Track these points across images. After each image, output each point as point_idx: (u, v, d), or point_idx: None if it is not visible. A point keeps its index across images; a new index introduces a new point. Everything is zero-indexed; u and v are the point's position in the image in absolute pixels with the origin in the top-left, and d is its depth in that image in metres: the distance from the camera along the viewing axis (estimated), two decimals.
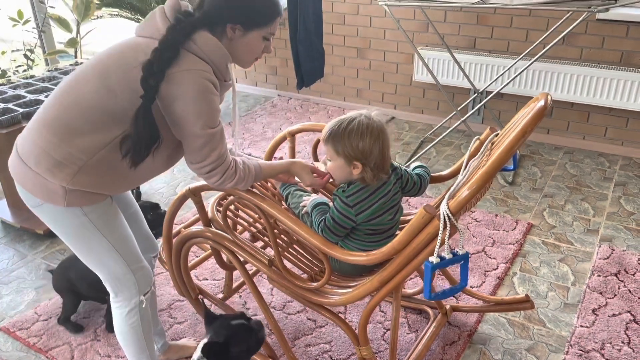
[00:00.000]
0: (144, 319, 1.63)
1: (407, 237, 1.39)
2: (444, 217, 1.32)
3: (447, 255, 1.34)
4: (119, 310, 1.61)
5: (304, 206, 1.66)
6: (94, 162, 1.37)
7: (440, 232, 1.32)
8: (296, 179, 1.76)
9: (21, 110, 2.46)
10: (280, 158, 1.97)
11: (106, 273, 1.55)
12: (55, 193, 1.39)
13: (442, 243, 1.33)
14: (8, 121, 2.39)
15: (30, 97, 2.64)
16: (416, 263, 1.41)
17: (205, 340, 1.52)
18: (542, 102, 1.38)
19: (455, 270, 2.18)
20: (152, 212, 2.11)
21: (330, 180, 1.71)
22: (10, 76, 3.13)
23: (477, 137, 1.69)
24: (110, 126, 1.36)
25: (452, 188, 1.40)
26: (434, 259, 1.33)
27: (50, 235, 2.67)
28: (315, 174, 1.70)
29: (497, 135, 1.65)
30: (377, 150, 1.50)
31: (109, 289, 1.60)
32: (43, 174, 1.38)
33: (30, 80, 2.87)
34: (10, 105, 2.52)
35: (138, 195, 3.05)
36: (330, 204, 1.63)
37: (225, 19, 1.41)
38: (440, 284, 2.27)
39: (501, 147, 1.34)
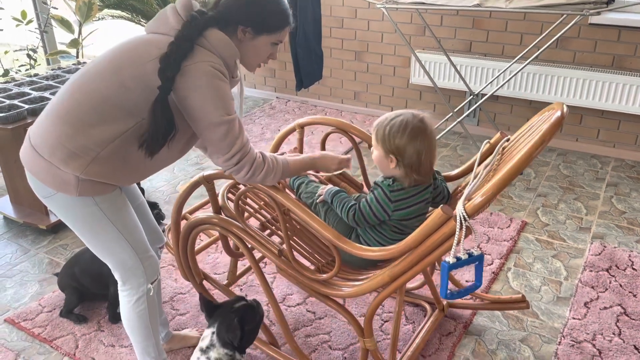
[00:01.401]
0: (151, 307, 1.67)
1: (422, 236, 1.40)
2: (460, 218, 1.35)
3: (463, 255, 1.37)
4: (127, 299, 1.66)
5: (320, 194, 1.70)
6: (107, 153, 1.42)
7: (457, 233, 1.33)
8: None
9: (26, 106, 2.51)
10: (282, 153, 2.02)
11: (115, 261, 1.60)
12: (68, 183, 1.44)
13: (458, 243, 1.35)
14: (14, 117, 2.43)
15: (35, 94, 2.68)
16: (428, 261, 1.42)
17: (212, 330, 1.56)
18: (559, 113, 1.40)
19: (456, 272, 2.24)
20: (151, 210, 2.13)
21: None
22: (13, 75, 3.18)
23: (487, 140, 1.72)
24: (122, 119, 1.42)
25: (467, 190, 1.40)
26: (450, 259, 1.35)
27: (52, 230, 2.72)
28: (341, 162, 1.74)
29: (507, 140, 1.68)
30: (412, 150, 1.53)
31: (117, 277, 1.64)
32: (57, 164, 1.42)
33: (34, 79, 2.92)
34: (15, 102, 2.56)
35: (141, 192, 3.09)
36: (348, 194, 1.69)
37: (238, 20, 1.48)
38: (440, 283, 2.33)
39: (520, 152, 1.33)
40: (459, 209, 1.32)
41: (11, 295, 2.30)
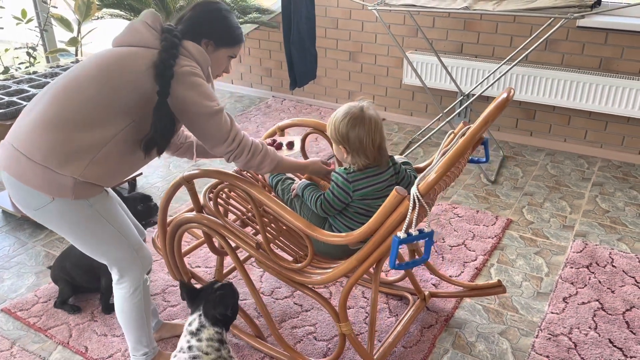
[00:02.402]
0: (146, 297, 1.76)
1: (382, 218, 1.52)
2: (414, 198, 1.45)
3: (413, 232, 1.47)
4: (123, 291, 1.72)
5: (294, 189, 1.81)
6: (103, 155, 1.51)
7: (410, 211, 1.45)
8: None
9: (24, 103, 2.58)
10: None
11: (113, 258, 1.68)
12: (65, 186, 1.49)
13: (410, 221, 1.45)
14: (12, 113, 2.50)
15: (33, 91, 2.75)
16: (390, 241, 1.53)
17: (198, 313, 1.62)
18: (504, 95, 1.52)
19: (440, 268, 2.30)
20: (143, 203, 2.20)
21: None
22: (12, 73, 3.25)
23: (451, 130, 1.82)
24: (113, 122, 1.51)
25: (423, 173, 1.53)
26: (401, 234, 1.45)
27: None
28: (328, 166, 1.94)
29: (469, 128, 1.78)
30: (353, 136, 1.66)
31: (114, 273, 1.71)
32: (53, 168, 1.47)
33: (33, 76, 2.99)
34: (14, 99, 2.63)
35: (133, 187, 3.17)
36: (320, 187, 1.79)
37: (202, 33, 1.65)
38: (425, 277, 2.39)
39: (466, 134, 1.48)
40: (413, 189, 1.45)
41: (8, 286, 2.38)
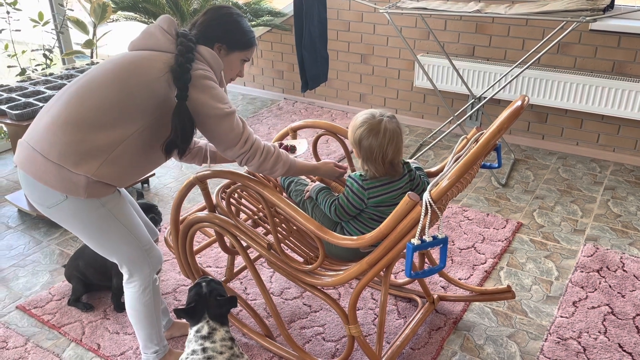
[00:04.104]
0: (156, 296, 1.78)
1: (393, 222, 1.52)
2: (426, 203, 1.46)
3: (427, 238, 1.48)
4: (133, 290, 1.76)
5: (307, 191, 1.83)
6: (116, 156, 1.54)
7: (422, 217, 1.46)
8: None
9: (41, 104, 2.63)
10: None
11: (123, 258, 1.71)
12: (78, 185, 1.53)
13: (422, 227, 1.46)
14: (28, 114, 2.55)
15: (49, 92, 2.81)
16: (401, 246, 1.55)
17: (205, 320, 1.63)
18: (519, 103, 1.52)
19: (449, 271, 2.31)
20: (148, 214, 2.19)
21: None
22: (29, 74, 3.31)
23: (464, 135, 1.83)
24: (128, 123, 1.55)
25: (435, 179, 1.54)
26: (415, 241, 1.46)
27: None
28: (340, 167, 1.94)
29: (482, 134, 1.79)
30: (366, 144, 1.67)
31: (124, 272, 1.75)
32: (68, 167, 1.51)
33: (49, 78, 3.05)
34: (30, 100, 2.68)
35: (140, 195, 3.21)
36: (334, 191, 1.80)
37: (215, 38, 1.69)
38: (434, 279, 2.40)
39: (479, 141, 1.48)
40: (425, 195, 1.45)
41: (23, 284, 2.42)
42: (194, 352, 1.60)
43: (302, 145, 2.06)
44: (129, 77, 1.55)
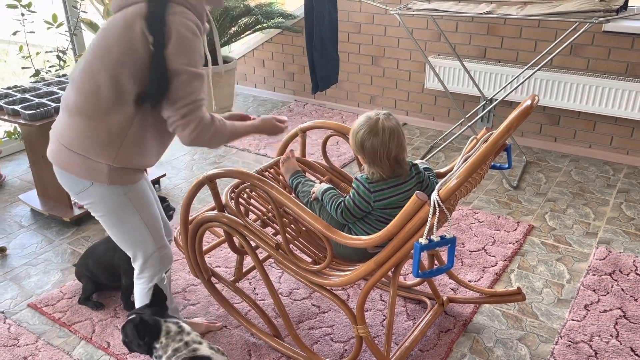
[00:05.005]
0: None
1: (401, 222, 1.52)
2: (434, 203, 1.45)
3: (435, 238, 1.47)
4: (142, 286, 1.78)
5: (313, 192, 1.82)
6: (131, 138, 1.57)
7: (430, 217, 1.45)
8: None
9: (53, 105, 2.65)
10: (291, 150, 2.12)
11: (136, 250, 1.74)
12: (101, 172, 1.59)
13: (430, 227, 1.46)
14: (41, 114, 2.58)
15: (62, 93, 2.83)
16: (409, 246, 1.54)
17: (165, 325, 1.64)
18: (528, 102, 1.51)
19: (459, 273, 2.29)
20: (162, 203, 2.23)
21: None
22: (43, 75, 3.35)
23: (473, 136, 1.82)
24: (128, 101, 1.53)
25: (444, 179, 1.53)
26: (422, 241, 1.46)
27: (76, 223, 2.86)
28: (282, 122, 1.87)
29: (491, 134, 1.78)
30: (369, 145, 1.66)
31: (135, 266, 1.78)
32: (89, 155, 1.57)
33: (62, 79, 3.08)
34: (44, 100, 2.71)
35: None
36: (340, 192, 1.79)
37: None
38: (444, 281, 2.39)
39: (488, 141, 1.48)
40: (434, 194, 1.44)
41: (35, 282, 2.45)
42: (176, 350, 1.58)
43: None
44: (111, 47, 1.49)
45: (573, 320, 2.15)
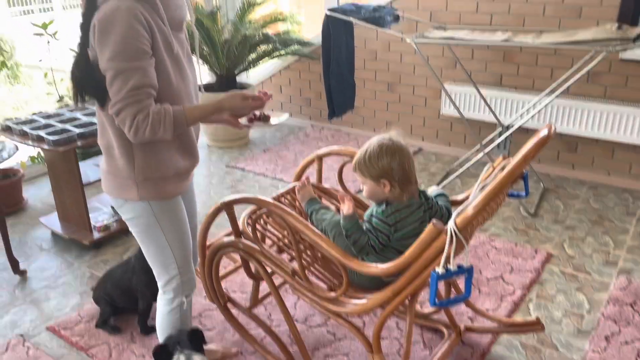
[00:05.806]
0: (183, 319, 1.81)
1: (418, 251, 1.52)
2: (451, 232, 1.45)
3: (452, 267, 1.47)
4: (164, 306, 1.81)
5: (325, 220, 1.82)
6: (138, 150, 1.59)
7: (447, 246, 1.45)
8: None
9: (77, 130, 2.72)
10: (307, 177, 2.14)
11: (160, 270, 1.77)
12: (130, 188, 1.63)
13: (447, 256, 1.45)
14: (65, 140, 2.64)
15: (85, 119, 2.90)
16: (426, 275, 1.54)
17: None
18: (545, 132, 1.52)
19: (475, 301, 2.27)
20: None
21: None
22: (66, 101, 3.44)
23: (490, 163, 1.82)
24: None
25: (460, 207, 1.53)
26: (440, 270, 1.45)
27: (95, 246, 2.90)
28: (250, 99, 1.66)
29: (508, 162, 1.78)
30: (396, 165, 1.66)
31: (159, 284, 1.80)
32: (114, 172, 1.64)
33: (85, 104, 3.16)
34: (67, 126, 2.78)
35: None
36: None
37: None
38: (461, 309, 2.36)
39: (506, 169, 1.48)
40: (450, 223, 1.44)
41: (54, 305, 2.47)
42: None
43: (282, 117, 2.03)
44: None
45: (594, 352, 2.11)
